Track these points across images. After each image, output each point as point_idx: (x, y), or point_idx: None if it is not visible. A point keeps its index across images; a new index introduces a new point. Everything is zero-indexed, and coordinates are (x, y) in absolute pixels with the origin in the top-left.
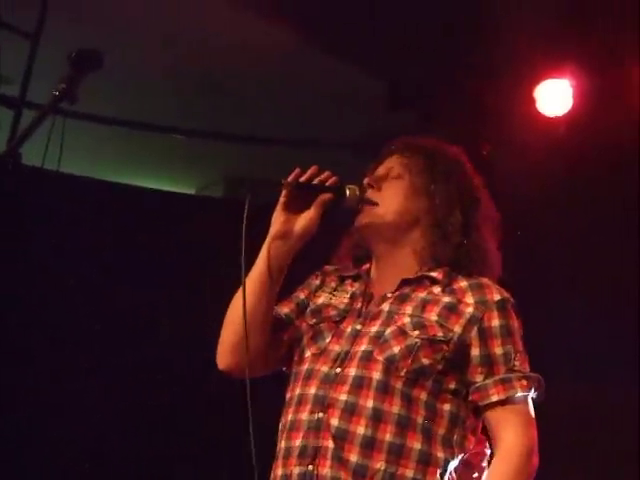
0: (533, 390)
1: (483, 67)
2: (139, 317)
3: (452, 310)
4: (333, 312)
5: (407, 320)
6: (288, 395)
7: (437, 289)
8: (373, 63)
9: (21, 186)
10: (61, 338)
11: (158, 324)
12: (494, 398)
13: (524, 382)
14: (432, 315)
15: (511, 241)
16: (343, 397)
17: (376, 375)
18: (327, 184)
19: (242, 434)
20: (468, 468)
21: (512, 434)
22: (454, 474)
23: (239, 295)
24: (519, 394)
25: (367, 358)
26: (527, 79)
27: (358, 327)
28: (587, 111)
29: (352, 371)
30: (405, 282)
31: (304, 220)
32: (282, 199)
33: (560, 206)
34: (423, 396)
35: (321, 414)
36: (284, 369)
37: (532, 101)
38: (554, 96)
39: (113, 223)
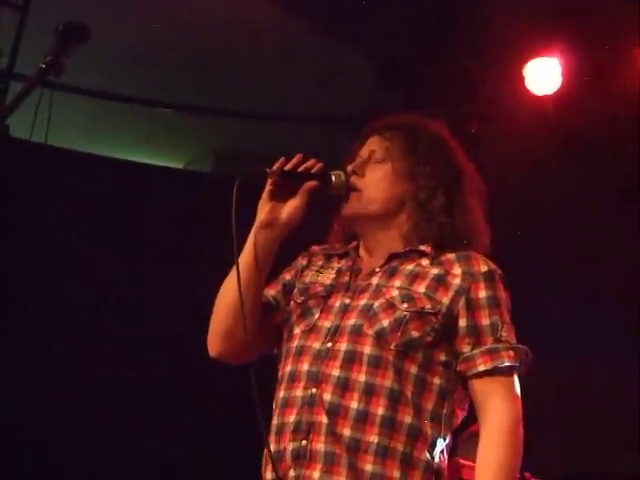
0: (519, 361)
1: (472, 45)
2: (125, 289)
3: (440, 282)
4: (320, 288)
5: (395, 293)
6: (280, 373)
7: (425, 261)
8: (363, 41)
9: (8, 158)
10: (49, 309)
11: (144, 297)
12: (481, 368)
13: (511, 353)
14: (420, 287)
15: (499, 219)
16: (335, 372)
17: (367, 349)
18: (312, 171)
19: (231, 408)
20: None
21: (498, 406)
22: (445, 455)
23: (227, 283)
24: (506, 364)
25: (357, 332)
26: (516, 57)
27: (347, 301)
28: (576, 89)
29: (343, 346)
30: (393, 256)
31: (290, 208)
32: (268, 188)
33: (548, 184)
34: (413, 369)
35: (314, 390)
36: (275, 351)
37: (521, 79)
38: (543, 74)
39: (100, 196)
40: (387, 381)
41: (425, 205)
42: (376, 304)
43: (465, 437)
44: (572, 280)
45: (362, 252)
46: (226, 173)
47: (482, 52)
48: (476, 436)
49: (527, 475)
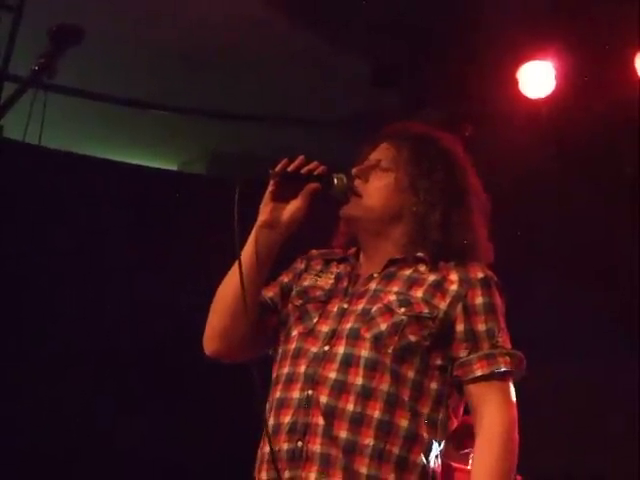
0: (515, 367)
1: (466, 48)
2: (121, 290)
3: (437, 288)
4: (319, 292)
5: (393, 298)
6: (275, 374)
7: (423, 268)
8: (357, 43)
9: (1, 159)
10: (45, 312)
11: (140, 298)
12: (478, 373)
13: (507, 358)
14: (418, 293)
15: (494, 222)
16: (332, 375)
17: (364, 353)
18: (315, 173)
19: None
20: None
21: (494, 411)
22: (439, 459)
23: (225, 282)
24: (502, 370)
25: (354, 336)
26: (510, 60)
27: (345, 306)
28: (569, 93)
29: (340, 349)
30: (392, 262)
31: (292, 209)
32: (270, 188)
33: (542, 187)
34: (410, 374)
35: (310, 391)
36: (270, 352)
37: (515, 82)
38: (537, 78)
39: (94, 198)
40: (384, 385)
41: (421, 220)
42: (374, 309)
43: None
44: (569, 281)
45: (361, 258)
46: (221, 175)
47: (476, 55)
48: (455, 436)
49: (519, 478)
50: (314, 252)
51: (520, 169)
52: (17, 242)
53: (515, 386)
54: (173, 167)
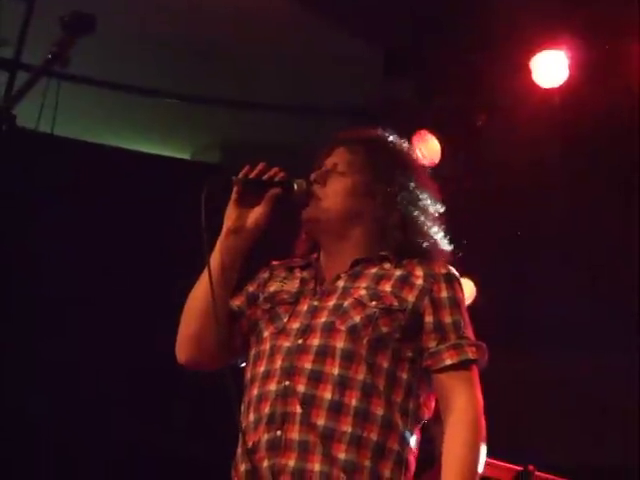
0: (480, 357)
1: (479, 37)
2: (132, 279)
3: (404, 282)
4: (286, 295)
5: (363, 292)
6: (249, 374)
7: (388, 265)
8: (369, 31)
9: (14, 148)
10: (57, 299)
11: (151, 287)
12: (447, 362)
13: (473, 348)
14: (387, 287)
15: (504, 211)
16: (308, 365)
17: (340, 344)
18: (276, 179)
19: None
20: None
21: (463, 399)
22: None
23: (196, 288)
24: (470, 359)
25: (329, 328)
26: (523, 50)
27: (315, 303)
28: (583, 82)
29: (315, 341)
30: (357, 262)
31: (255, 215)
32: (233, 196)
33: (554, 176)
34: (385, 364)
35: (288, 382)
36: (239, 362)
37: (528, 72)
38: (550, 67)
39: (106, 186)
40: (360, 374)
41: (381, 222)
42: (346, 303)
43: None
44: (577, 271)
45: (323, 261)
46: (234, 164)
47: (489, 44)
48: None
49: (531, 467)
50: (276, 262)
51: (533, 158)
52: (30, 230)
53: (526, 377)
54: (186, 156)
